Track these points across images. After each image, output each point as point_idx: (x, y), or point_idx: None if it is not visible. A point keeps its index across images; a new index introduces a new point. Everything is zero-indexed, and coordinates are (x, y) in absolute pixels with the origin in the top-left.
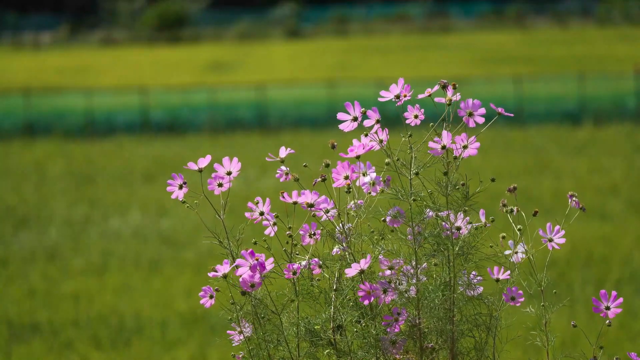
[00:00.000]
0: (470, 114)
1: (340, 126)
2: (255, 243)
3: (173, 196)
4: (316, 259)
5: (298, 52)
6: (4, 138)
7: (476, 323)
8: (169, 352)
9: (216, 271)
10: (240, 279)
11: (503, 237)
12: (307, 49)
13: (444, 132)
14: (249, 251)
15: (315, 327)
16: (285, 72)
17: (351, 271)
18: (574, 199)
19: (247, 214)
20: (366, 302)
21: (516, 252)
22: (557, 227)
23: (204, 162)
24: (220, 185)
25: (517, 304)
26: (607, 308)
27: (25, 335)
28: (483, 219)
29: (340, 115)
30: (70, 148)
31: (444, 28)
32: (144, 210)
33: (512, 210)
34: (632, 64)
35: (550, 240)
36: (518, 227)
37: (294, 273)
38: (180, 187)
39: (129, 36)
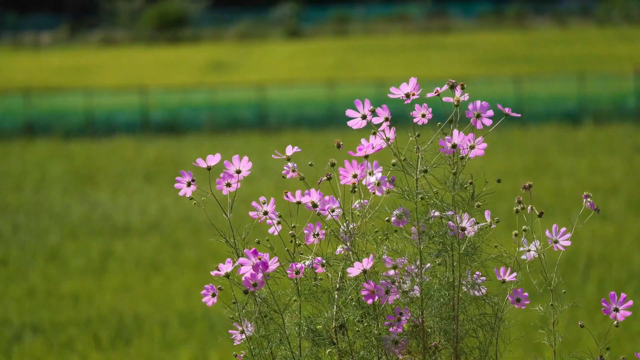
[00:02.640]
0: (478, 116)
1: (349, 123)
2: (258, 242)
3: (181, 193)
4: (319, 258)
5: (298, 52)
6: (4, 138)
7: (480, 323)
8: (169, 352)
9: (219, 270)
10: (243, 278)
11: (516, 235)
12: (307, 49)
13: (455, 131)
14: (251, 250)
15: (318, 327)
16: (285, 72)
17: (354, 271)
18: (588, 199)
19: (251, 213)
20: (370, 302)
21: (528, 250)
22: (563, 229)
23: (213, 160)
24: (228, 185)
25: (522, 307)
26: (616, 310)
27: (25, 335)
28: (488, 219)
29: (350, 112)
30: (70, 148)
31: (444, 28)
32: (143, 210)
33: (522, 208)
34: (632, 64)
35: (556, 242)
36: (524, 227)
37: (297, 272)
38: (189, 185)
39: (129, 36)
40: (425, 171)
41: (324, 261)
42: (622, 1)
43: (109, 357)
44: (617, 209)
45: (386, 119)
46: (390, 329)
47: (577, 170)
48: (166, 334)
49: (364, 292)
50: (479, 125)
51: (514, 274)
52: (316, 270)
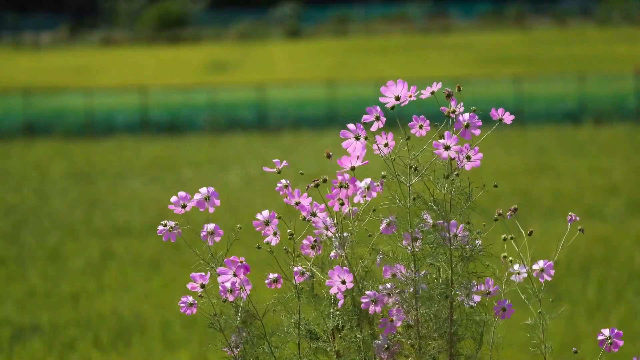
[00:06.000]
0: (467, 126)
1: (344, 144)
2: (259, 247)
3: (164, 238)
4: (299, 267)
5: (298, 52)
6: (4, 138)
7: (474, 320)
8: (169, 352)
9: (193, 281)
10: (220, 287)
11: (504, 257)
12: (307, 49)
13: (447, 133)
14: (231, 258)
15: (316, 330)
16: (285, 72)
17: (333, 284)
18: (571, 214)
19: (254, 222)
20: (364, 307)
21: (518, 273)
22: (547, 261)
23: (185, 199)
24: (212, 233)
25: (507, 317)
26: (609, 338)
27: (26, 335)
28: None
29: (344, 133)
30: (70, 148)
31: (444, 28)
32: (143, 210)
33: (512, 237)
34: (632, 64)
35: (542, 270)
36: (517, 251)
37: (275, 282)
38: (171, 230)
39: (129, 36)
40: (415, 168)
41: (303, 270)
42: (622, 1)
43: (110, 358)
44: (617, 209)
45: (377, 118)
46: (384, 332)
47: (577, 170)
48: (167, 335)
49: (364, 299)
50: (467, 136)
51: (497, 286)
52: (296, 278)
